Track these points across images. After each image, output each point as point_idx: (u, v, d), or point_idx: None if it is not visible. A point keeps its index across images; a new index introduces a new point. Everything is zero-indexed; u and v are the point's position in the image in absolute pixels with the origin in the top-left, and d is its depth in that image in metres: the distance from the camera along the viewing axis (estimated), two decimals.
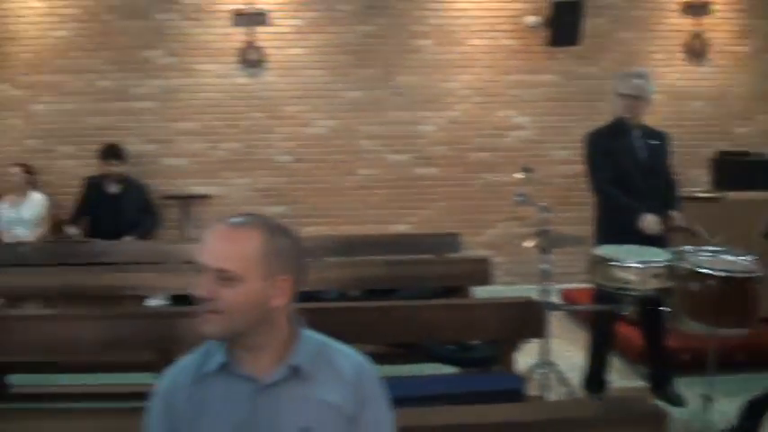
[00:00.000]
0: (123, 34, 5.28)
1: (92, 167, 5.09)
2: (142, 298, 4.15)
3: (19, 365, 3.19)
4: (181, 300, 3.98)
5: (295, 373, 1.25)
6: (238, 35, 5.21)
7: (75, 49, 5.32)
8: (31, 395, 3.29)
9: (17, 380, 3.25)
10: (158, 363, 2.51)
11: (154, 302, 4.26)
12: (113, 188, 4.96)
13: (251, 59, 5.23)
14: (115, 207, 4.93)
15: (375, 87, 5.36)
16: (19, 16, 5.40)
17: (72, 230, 4.85)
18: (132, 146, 5.24)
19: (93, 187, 4.99)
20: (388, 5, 5.32)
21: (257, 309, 1.22)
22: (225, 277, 1.19)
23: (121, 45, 5.29)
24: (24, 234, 4.97)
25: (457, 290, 3.75)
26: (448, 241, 4.36)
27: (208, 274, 1.20)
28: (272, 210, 5.24)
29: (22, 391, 3.27)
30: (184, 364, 1.32)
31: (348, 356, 1.32)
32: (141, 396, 3.09)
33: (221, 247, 1.21)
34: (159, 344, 2.58)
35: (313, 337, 1.32)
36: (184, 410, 1.26)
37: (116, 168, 4.96)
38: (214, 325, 1.20)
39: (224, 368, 1.26)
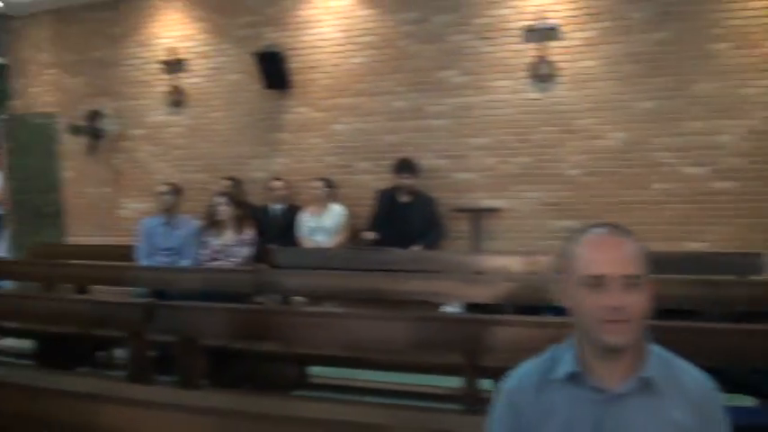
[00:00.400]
0: (418, 57, 5.64)
1: (386, 181, 5.46)
2: (435, 305, 4.32)
3: (314, 358, 3.46)
4: (476, 308, 4.08)
5: (645, 386, 1.25)
6: (529, 50, 5.31)
7: (371, 73, 5.79)
8: (327, 385, 3.57)
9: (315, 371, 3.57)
10: (463, 367, 2.60)
11: (449, 310, 4.41)
12: (404, 199, 5.27)
13: (542, 74, 5.29)
14: (404, 217, 5.23)
15: (669, 96, 5.14)
16: (317, 47, 6.02)
17: (369, 236, 5.22)
18: (425, 161, 5.53)
19: (386, 198, 5.35)
20: (684, 9, 5.08)
21: (647, 314, 1.24)
22: (633, 283, 1.22)
23: (416, 67, 5.65)
24: (324, 241, 5.45)
25: (762, 315, 3.43)
26: (751, 261, 4.03)
27: (614, 283, 1.22)
28: (561, 224, 5.21)
29: (319, 381, 3.57)
30: (529, 367, 1.35)
31: (693, 374, 1.29)
32: (440, 398, 3.18)
33: (623, 255, 1.24)
34: (467, 348, 2.64)
35: (660, 352, 1.31)
36: (530, 413, 1.29)
37: (407, 181, 5.27)
38: (625, 334, 1.22)
39: (572, 377, 1.28)
